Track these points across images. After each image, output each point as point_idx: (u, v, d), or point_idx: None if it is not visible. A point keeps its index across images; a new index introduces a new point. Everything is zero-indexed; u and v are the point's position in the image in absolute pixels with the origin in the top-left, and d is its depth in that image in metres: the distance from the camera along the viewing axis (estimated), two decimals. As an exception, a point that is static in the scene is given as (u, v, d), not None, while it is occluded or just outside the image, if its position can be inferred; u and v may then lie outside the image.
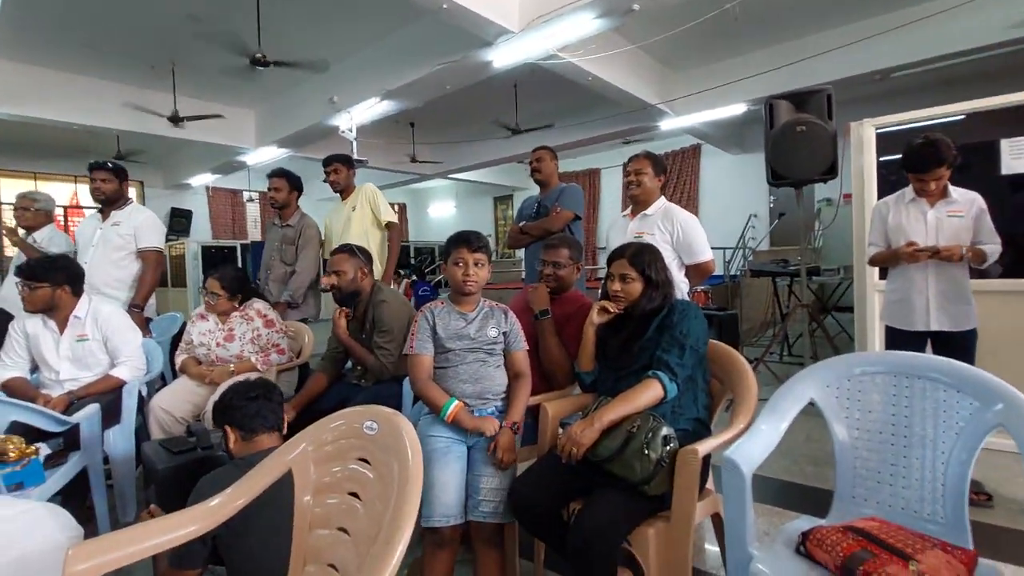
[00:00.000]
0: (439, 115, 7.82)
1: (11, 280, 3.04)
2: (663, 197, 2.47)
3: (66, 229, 8.52)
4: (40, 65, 6.01)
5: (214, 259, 9.08)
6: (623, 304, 1.66)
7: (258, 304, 2.69)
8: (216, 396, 2.32)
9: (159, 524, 0.99)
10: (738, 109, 6.63)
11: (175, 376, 2.71)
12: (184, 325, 3.86)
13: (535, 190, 3.13)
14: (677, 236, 2.35)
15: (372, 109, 6.21)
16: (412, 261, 11.73)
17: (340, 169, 3.27)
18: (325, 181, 3.40)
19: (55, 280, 2.28)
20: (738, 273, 6.82)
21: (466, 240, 1.73)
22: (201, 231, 11.11)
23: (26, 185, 9.58)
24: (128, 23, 5.18)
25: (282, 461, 1.14)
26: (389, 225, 3.28)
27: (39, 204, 3.28)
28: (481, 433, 1.57)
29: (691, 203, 9.81)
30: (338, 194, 3.38)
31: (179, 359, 2.63)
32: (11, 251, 6.56)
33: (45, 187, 9.80)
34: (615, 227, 2.65)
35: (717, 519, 1.55)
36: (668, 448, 1.35)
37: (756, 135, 7.19)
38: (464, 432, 1.60)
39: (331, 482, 1.07)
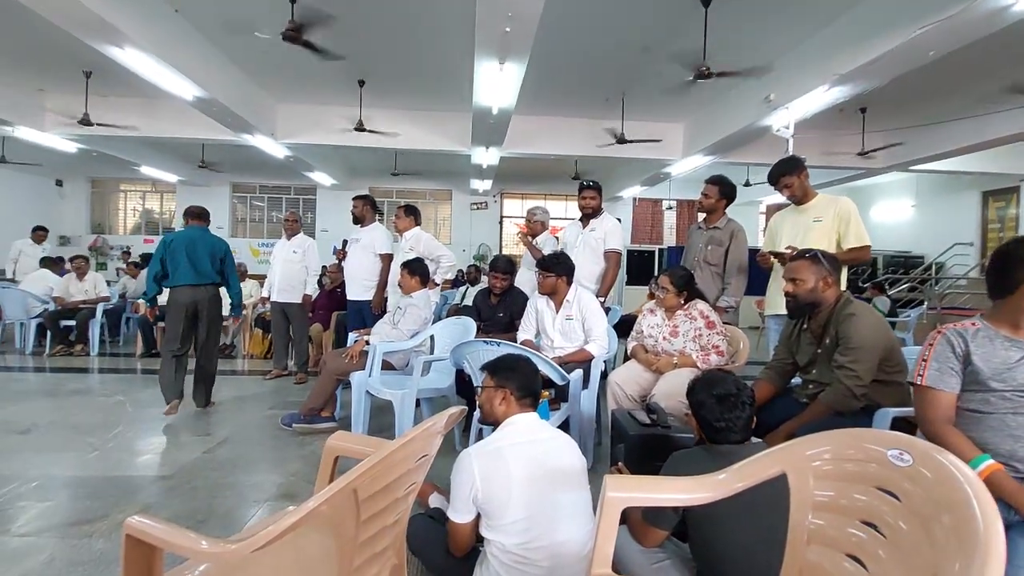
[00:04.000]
0: (903, 93, 6.36)
1: (523, 269, 4.25)
2: None
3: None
4: (535, 114, 8.15)
5: (635, 262, 10.24)
6: None
7: (701, 305, 2.82)
8: (663, 383, 2.59)
9: (678, 483, 1.13)
10: None
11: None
12: (622, 317, 4.49)
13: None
14: None
15: (815, 101, 5.61)
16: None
17: (792, 182, 2.99)
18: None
19: (559, 272, 3.03)
20: None
21: None
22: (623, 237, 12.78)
23: (517, 204, 13.31)
24: (592, 67, 6.40)
25: (776, 460, 1.12)
26: (859, 249, 2.79)
27: (537, 216, 4.43)
28: None
29: None
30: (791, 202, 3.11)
31: (630, 345, 3.05)
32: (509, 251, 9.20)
33: (520, 204, 13.31)
34: None
35: None
36: None
37: None
38: (1005, 505, 1.20)
39: (847, 505, 0.98)
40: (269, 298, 5.04)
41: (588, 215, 3.78)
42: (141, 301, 6.46)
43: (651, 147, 8.00)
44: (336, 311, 5.54)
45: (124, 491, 2.52)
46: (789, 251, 2.63)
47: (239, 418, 3.75)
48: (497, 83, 5.46)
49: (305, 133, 8.37)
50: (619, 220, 3.99)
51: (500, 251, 12.57)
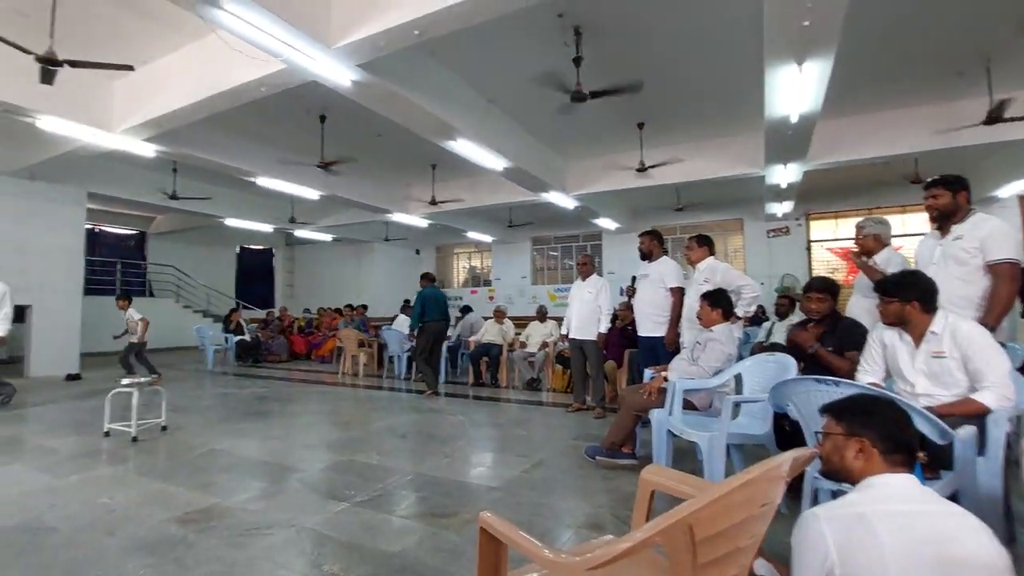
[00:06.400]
0: None
1: (856, 297, 3.47)
2: None
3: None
4: (848, 114, 6.85)
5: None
6: None
7: None
8: None
9: None
10: None
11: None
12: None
13: None
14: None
15: None
16: None
17: None
18: None
19: (904, 296, 2.33)
20: None
21: None
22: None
23: (829, 225, 11.31)
24: (929, 39, 5.05)
25: None
26: None
27: (868, 229, 3.58)
28: None
29: None
30: None
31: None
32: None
33: (833, 225, 11.19)
34: None
35: None
36: None
37: None
38: None
39: None
40: (568, 335, 5.44)
41: (940, 218, 2.85)
42: (472, 339, 7.90)
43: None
44: (628, 348, 5.60)
45: (467, 495, 2.97)
46: None
47: (548, 445, 4.07)
48: (795, 88, 4.81)
49: (592, 183, 9.04)
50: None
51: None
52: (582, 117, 6.44)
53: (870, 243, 3.56)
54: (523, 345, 7.43)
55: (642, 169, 7.68)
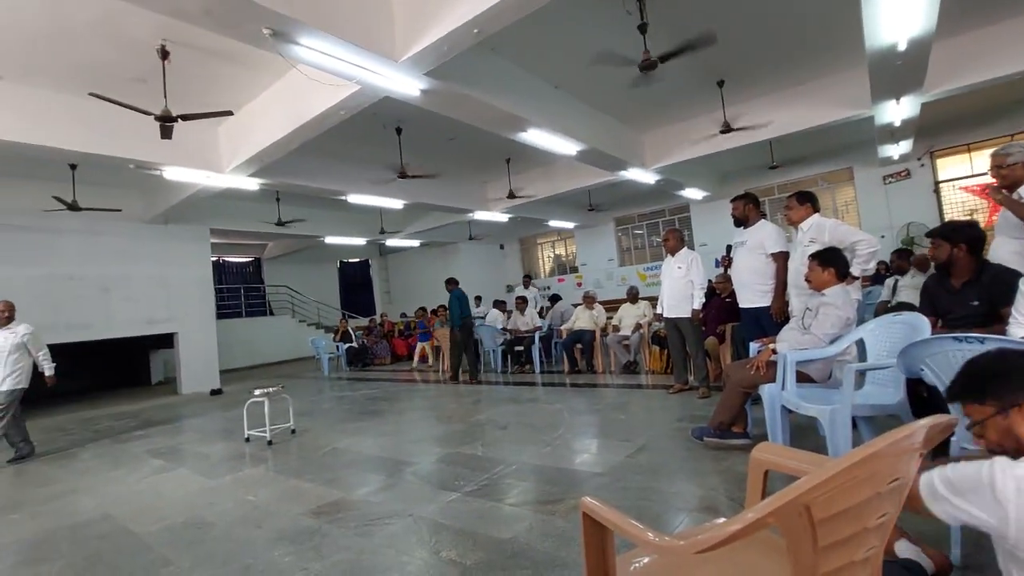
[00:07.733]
0: None
1: (1000, 240, 2.99)
2: None
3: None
4: (968, 30, 5.87)
5: None
6: None
7: None
8: None
9: None
10: None
11: None
12: None
13: None
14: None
15: None
16: None
17: None
18: None
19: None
20: None
21: None
22: None
23: (960, 161, 9.83)
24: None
25: None
26: None
27: (1012, 157, 3.04)
28: None
29: None
30: None
31: None
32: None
33: (967, 159, 9.69)
34: None
35: None
36: None
37: None
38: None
39: None
40: (662, 315, 5.24)
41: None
42: (563, 327, 7.88)
43: None
44: (730, 322, 5.28)
45: (572, 481, 2.98)
46: None
47: (652, 428, 3.95)
48: (901, 7, 4.21)
49: (672, 153, 8.60)
50: None
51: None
52: (655, 86, 6.12)
53: (1017, 172, 3.02)
54: (616, 329, 7.27)
55: (726, 130, 7.16)
